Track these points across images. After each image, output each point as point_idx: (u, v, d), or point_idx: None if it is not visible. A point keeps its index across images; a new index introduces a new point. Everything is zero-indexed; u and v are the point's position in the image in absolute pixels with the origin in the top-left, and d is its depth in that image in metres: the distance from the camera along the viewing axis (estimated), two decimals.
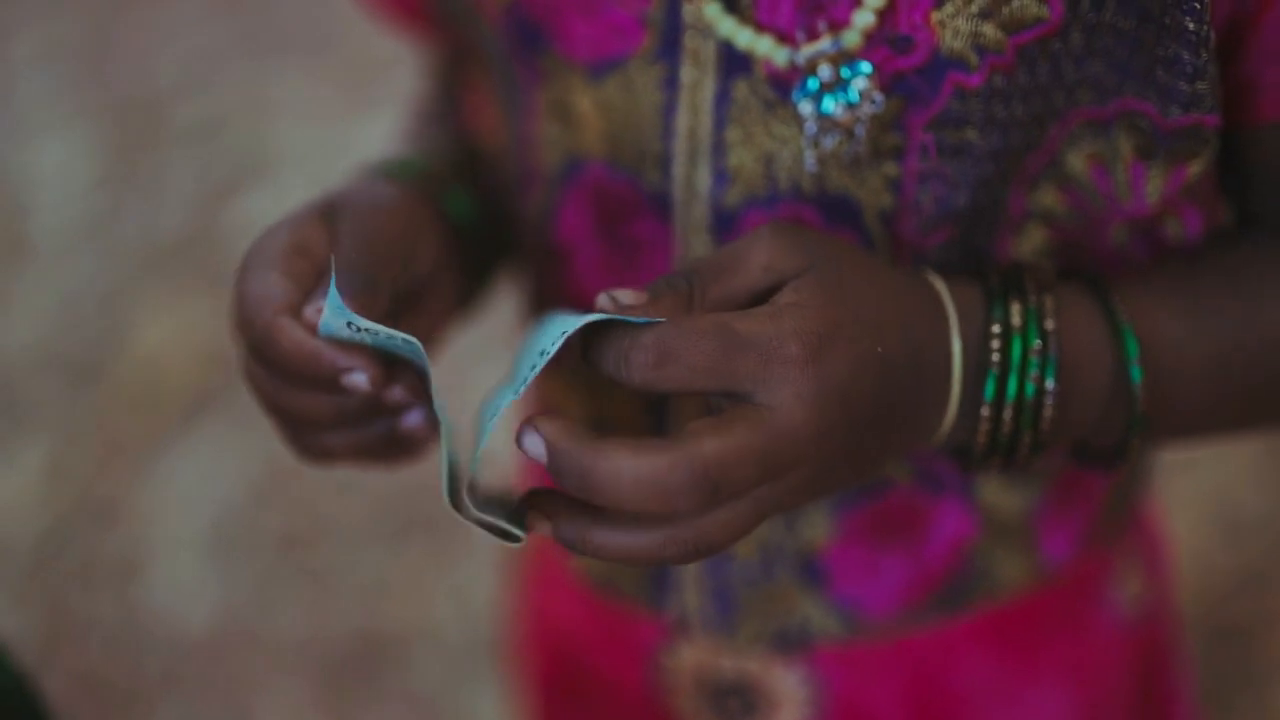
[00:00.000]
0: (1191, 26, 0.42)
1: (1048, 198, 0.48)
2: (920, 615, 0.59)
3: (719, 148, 0.49)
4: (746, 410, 0.39)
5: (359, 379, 0.44)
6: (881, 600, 0.58)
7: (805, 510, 0.56)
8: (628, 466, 0.37)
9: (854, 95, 0.45)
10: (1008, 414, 0.44)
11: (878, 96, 0.45)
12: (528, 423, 0.39)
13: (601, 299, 0.42)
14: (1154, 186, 0.46)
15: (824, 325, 0.39)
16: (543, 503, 0.41)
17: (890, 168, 0.47)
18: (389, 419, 0.48)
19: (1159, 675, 0.68)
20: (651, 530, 0.39)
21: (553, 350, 0.40)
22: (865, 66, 0.45)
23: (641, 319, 0.40)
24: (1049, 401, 0.44)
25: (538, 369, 0.41)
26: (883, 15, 0.44)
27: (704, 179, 0.50)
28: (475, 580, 1.57)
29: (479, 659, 1.49)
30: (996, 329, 0.44)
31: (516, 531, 0.41)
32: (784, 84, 0.47)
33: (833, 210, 0.48)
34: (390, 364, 0.45)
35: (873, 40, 0.45)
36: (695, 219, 0.51)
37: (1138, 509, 0.65)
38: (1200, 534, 1.51)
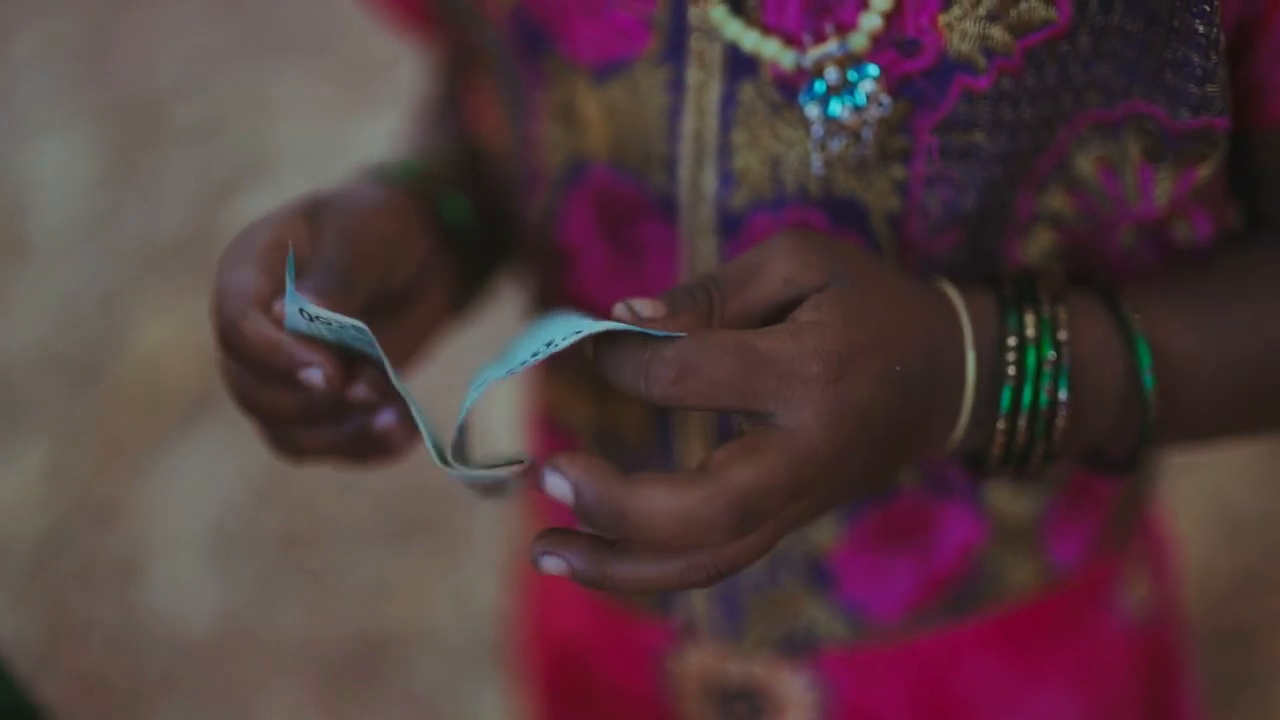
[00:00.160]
0: (1201, 29, 0.41)
1: (1056, 200, 0.48)
2: (927, 619, 0.59)
3: (725, 150, 0.49)
4: (770, 434, 0.38)
5: (314, 375, 0.43)
6: (889, 604, 0.58)
7: None
8: (663, 504, 0.36)
9: (861, 98, 0.45)
10: (1021, 424, 0.44)
11: (885, 99, 0.45)
12: (548, 463, 0.37)
13: (619, 309, 0.41)
14: (1163, 189, 0.46)
15: (845, 345, 0.39)
16: (553, 543, 0.39)
17: (897, 171, 0.47)
18: (359, 418, 0.48)
19: (1166, 679, 0.68)
20: (674, 559, 0.38)
21: (562, 345, 0.40)
22: (872, 69, 0.45)
23: (661, 333, 0.39)
24: (1062, 412, 0.44)
25: (540, 357, 0.40)
26: (890, 18, 0.44)
27: (710, 181, 0.49)
28: (476, 581, 1.56)
29: (480, 660, 1.49)
30: (1012, 341, 0.44)
31: (505, 476, 0.40)
32: (790, 87, 0.46)
33: (839, 213, 0.48)
34: (355, 362, 0.45)
35: (880, 43, 0.44)
36: (701, 221, 0.51)
37: (1145, 513, 0.65)
38: (1201, 535, 1.51)
